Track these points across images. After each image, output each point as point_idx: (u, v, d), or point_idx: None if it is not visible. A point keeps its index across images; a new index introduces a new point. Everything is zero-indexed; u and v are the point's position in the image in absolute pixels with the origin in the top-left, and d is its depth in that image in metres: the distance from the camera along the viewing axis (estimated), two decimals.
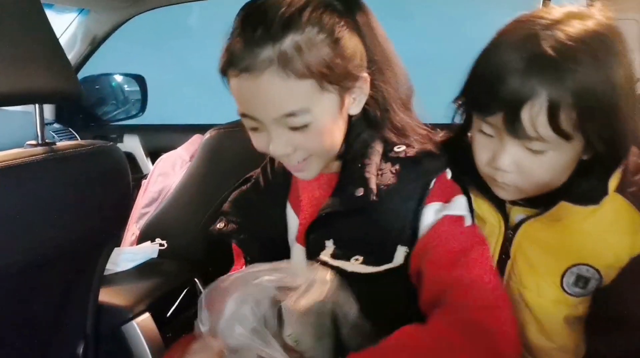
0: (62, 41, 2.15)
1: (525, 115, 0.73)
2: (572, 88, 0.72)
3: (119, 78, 2.41)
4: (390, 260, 0.81)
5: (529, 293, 0.90)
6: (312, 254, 0.86)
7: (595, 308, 0.90)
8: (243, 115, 0.83)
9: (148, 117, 2.40)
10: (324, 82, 0.79)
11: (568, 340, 0.92)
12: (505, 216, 0.92)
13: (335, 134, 0.86)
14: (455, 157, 0.90)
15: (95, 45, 2.21)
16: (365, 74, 0.85)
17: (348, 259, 0.82)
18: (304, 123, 0.80)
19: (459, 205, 0.85)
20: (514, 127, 0.75)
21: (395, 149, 0.90)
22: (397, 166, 0.87)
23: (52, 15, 2.05)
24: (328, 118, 0.82)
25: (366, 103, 0.88)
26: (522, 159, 0.79)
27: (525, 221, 0.90)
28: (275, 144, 0.81)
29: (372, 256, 0.80)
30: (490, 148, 0.82)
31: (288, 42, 0.76)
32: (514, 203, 0.92)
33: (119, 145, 2.27)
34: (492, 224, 0.92)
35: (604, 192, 0.84)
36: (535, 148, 0.77)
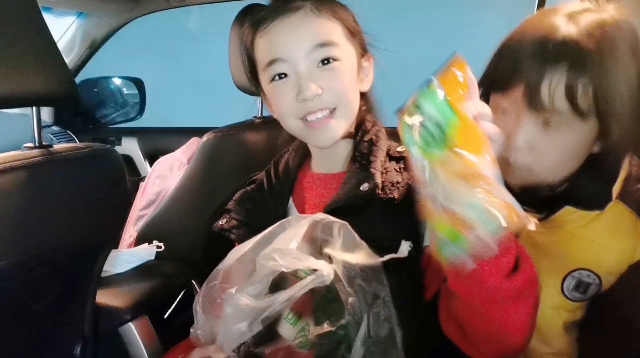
0: (61, 44, 2.16)
1: (544, 87, 0.78)
2: (590, 66, 0.76)
3: (117, 81, 2.42)
4: (394, 251, 0.82)
5: None
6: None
7: (590, 314, 0.90)
8: (271, 62, 0.88)
9: (146, 120, 2.40)
10: (348, 32, 0.90)
11: (564, 345, 0.93)
12: None
13: (354, 94, 0.92)
14: None
15: (94, 48, 2.22)
16: (369, 54, 0.95)
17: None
18: (333, 56, 0.87)
19: None
20: (533, 99, 0.79)
21: (399, 149, 0.94)
22: (401, 164, 0.91)
23: (50, 19, 2.06)
24: (350, 67, 0.90)
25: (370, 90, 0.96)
26: (536, 137, 0.82)
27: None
28: (305, 83, 0.86)
29: (375, 249, 0.80)
30: (506, 128, 0.83)
31: None
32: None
33: (117, 148, 2.27)
34: None
35: (608, 198, 0.85)
36: (552, 122, 0.80)
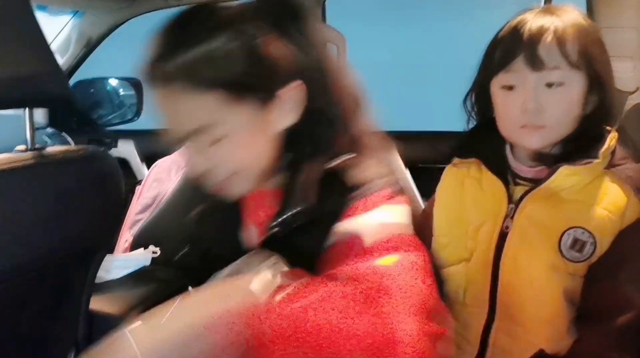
0: (56, 43, 2.14)
1: (541, 49, 0.95)
2: (571, 26, 0.97)
3: (114, 82, 2.40)
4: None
5: (529, 259, 1.00)
6: None
7: (586, 289, 0.98)
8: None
9: (143, 122, 2.38)
10: (238, 92, 0.76)
11: (561, 315, 0.99)
12: (509, 193, 1.05)
13: (259, 149, 0.83)
14: (471, 144, 1.11)
15: (90, 47, 2.21)
16: (295, 84, 0.82)
17: None
18: (218, 137, 0.77)
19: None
20: (534, 60, 0.96)
21: (334, 163, 0.87)
22: (330, 180, 0.85)
23: (45, 18, 2.04)
24: (247, 131, 0.80)
25: (305, 113, 0.85)
26: (544, 97, 0.97)
27: (527, 194, 1.02)
28: (195, 160, 0.80)
29: (309, 269, 0.79)
30: (515, 99, 0.99)
31: (196, 51, 0.74)
32: (517, 183, 1.05)
33: (114, 150, 2.26)
34: (497, 198, 1.05)
35: (596, 155, 0.99)
36: (553, 79, 0.96)
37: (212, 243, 0.95)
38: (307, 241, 0.84)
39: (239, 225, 0.97)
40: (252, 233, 0.94)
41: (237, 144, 0.79)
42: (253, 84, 0.78)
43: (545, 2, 1.55)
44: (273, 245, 0.86)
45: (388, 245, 0.77)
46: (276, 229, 0.85)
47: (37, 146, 0.95)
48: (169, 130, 0.80)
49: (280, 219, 0.84)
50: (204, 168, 0.80)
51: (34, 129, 0.96)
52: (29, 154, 0.91)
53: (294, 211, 0.82)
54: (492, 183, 1.06)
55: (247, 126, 0.80)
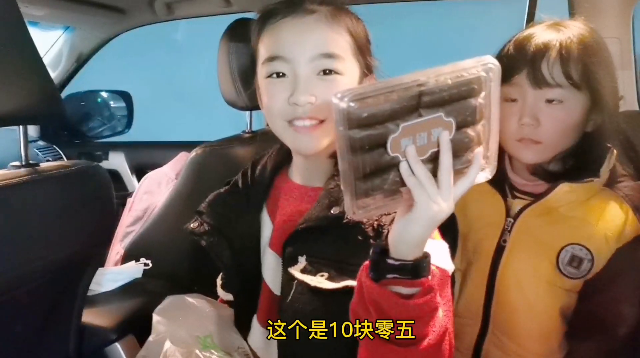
0: (48, 58, 2.14)
1: (544, 67, 0.94)
2: (576, 43, 0.95)
3: (104, 95, 2.40)
4: (352, 278, 0.79)
5: (526, 274, 0.99)
6: (285, 266, 0.86)
7: (579, 304, 0.98)
8: (272, 58, 0.85)
9: (134, 135, 2.38)
10: (357, 48, 0.87)
11: (555, 331, 0.99)
12: (507, 207, 1.04)
13: None
14: None
15: (81, 62, 2.20)
16: (373, 76, 0.91)
17: (315, 275, 0.82)
18: (335, 69, 0.84)
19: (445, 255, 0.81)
20: (536, 78, 0.95)
21: None
22: None
23: (37, 33, 2.05)
24: (350, 84, 0.86)
25: None
26: (542, 112, 0.95)
27: (525, 208, 1.01)
28: (300, 88, 0.83)
29: (336, 273, 0.80)
30: (515, 112, 0.97)
31: (337, 6, 0.87)
32: (515, 196, 1.04)
33: (104, 162, 2.25)
34: (496, 211, 1.04)
35: (596, 174, 0.99)
36: (553, 96, 0.95)
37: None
38: (328, 244, 0.83)
39: (257, 210, 0.97)
40: (277, 222, 0.94)
41: (341, 87, 0.83)
42: (367, 50, 0.91)
43: (527, 19, 1.55)
44: (299, 242, 0.86)
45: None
46: (304, 226, 0.86)
47: (31, 161, 0.96)
48: (287, 57, 0.84)
49: (313, 219, 0.85)
50: (306, 99, 0.83)
51: (27, 146, 0.96)
52: (24, 171, 0.92)
53: (333, 213, 0.83)
54: (490, 195, 1.05)
55: (353, 80, 0.87)
